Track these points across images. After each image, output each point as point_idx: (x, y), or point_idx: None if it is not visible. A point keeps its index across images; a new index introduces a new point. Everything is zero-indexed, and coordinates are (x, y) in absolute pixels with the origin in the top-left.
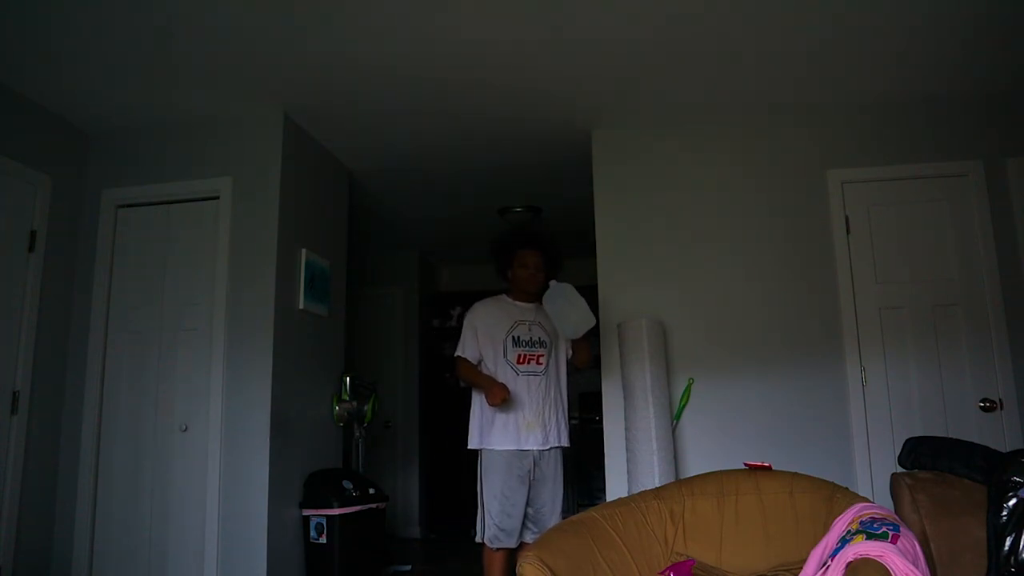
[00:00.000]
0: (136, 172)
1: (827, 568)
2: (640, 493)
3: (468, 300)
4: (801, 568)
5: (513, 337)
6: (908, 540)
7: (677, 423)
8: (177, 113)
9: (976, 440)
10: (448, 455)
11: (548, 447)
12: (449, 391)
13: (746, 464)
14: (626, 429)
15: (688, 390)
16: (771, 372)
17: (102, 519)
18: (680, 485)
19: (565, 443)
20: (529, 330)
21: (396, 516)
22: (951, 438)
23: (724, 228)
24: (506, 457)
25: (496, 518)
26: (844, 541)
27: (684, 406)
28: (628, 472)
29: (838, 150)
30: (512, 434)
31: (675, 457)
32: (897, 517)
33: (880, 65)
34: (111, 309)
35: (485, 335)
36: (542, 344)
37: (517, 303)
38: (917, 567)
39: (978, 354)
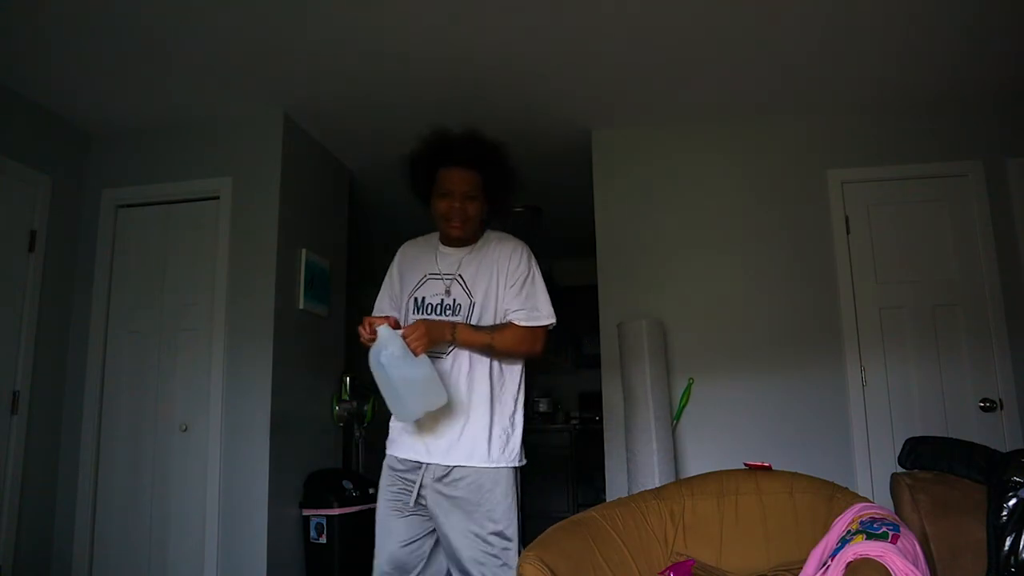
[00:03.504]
0: (136, 172)
1: (827, 568)
2: (640, 493)
3: None
4: (801, 568)
5: (416, 299)
6: (908, 540)
7: (677, 423)
8: (177, 113)
9: (976, 440)
10: None
11: (451, 464)
12: None
13: (746, 464)
14: (626, 429)
15: (688, 390)
16: (771, 372)
17: (102, 519)
18: (680, 485)
19: (497, 462)
20: (445, 291)
21: None
22: (951, 438)
23: (724, 228)
24: (387, 467)
25: (377, 560)
26: (844, 541)
27: (684, 406)
28: (628, 472)
29: (838, 150)
30: (402, 432)
31: (675, 457)
32: (897, 517)
33: (880, 65)
34: (111, 309)
35: (401, 285)
36: (456, 313)
37: (441, 248)
38: (917, 567)
39: (978, 354)
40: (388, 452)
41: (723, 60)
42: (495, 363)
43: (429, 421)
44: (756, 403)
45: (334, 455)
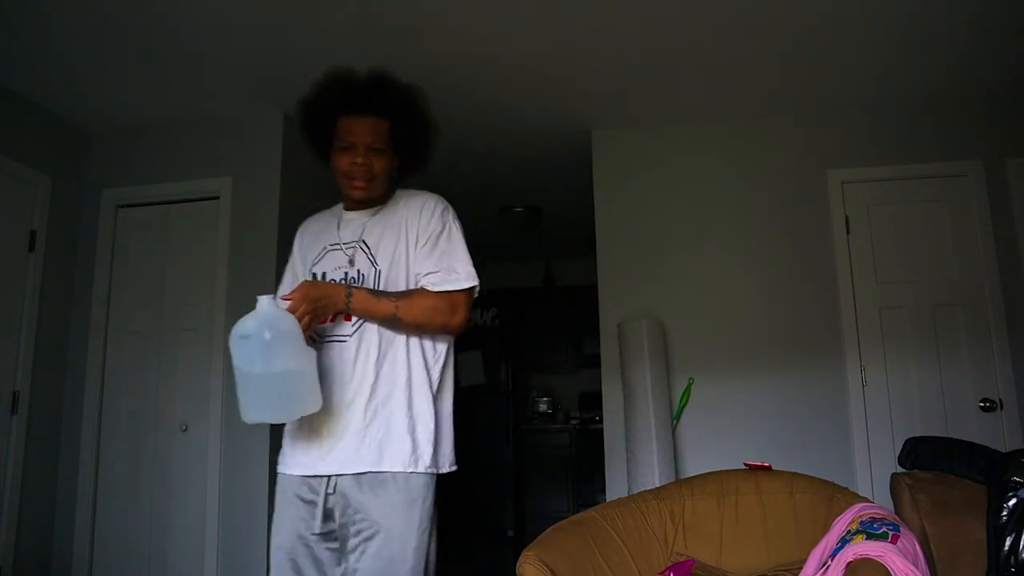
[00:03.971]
0: (136, 172)
1: (827, 568)
2: (640, 493)
3: None
4: (801, 568)
5: (316, 276)
6: (908, 540)
7: (677, 423)
8: (177, 113)
9: (976, 440)
10: None
11: (360, 472)
12: None
13: (746, 464)
14: (626, 429)
15: (688, 390)
16: (771, 372)
17: (102, 519)
18: (680, 485)
19: (412, 466)
20: (348, 262)
21: None
22: (951, 438)
23: (724, 228)
24: (284, 487)
25: None
26: (844, 541)
27: (684, 406)
28: (628, 472)
29: (838, 150)
30: (296, 442)
31: (675, 457)
32: (897, 517)
33: (880, 65)
34: (111, 309)
35: (302, 265)
36: (361, 284)
37: (345, 215)
38: (917, 567)
39: (978, 354)
40: (279, 470)
41: (723, 60)
42: (413, 342)
43: (328, 419)
44: (756, 403)
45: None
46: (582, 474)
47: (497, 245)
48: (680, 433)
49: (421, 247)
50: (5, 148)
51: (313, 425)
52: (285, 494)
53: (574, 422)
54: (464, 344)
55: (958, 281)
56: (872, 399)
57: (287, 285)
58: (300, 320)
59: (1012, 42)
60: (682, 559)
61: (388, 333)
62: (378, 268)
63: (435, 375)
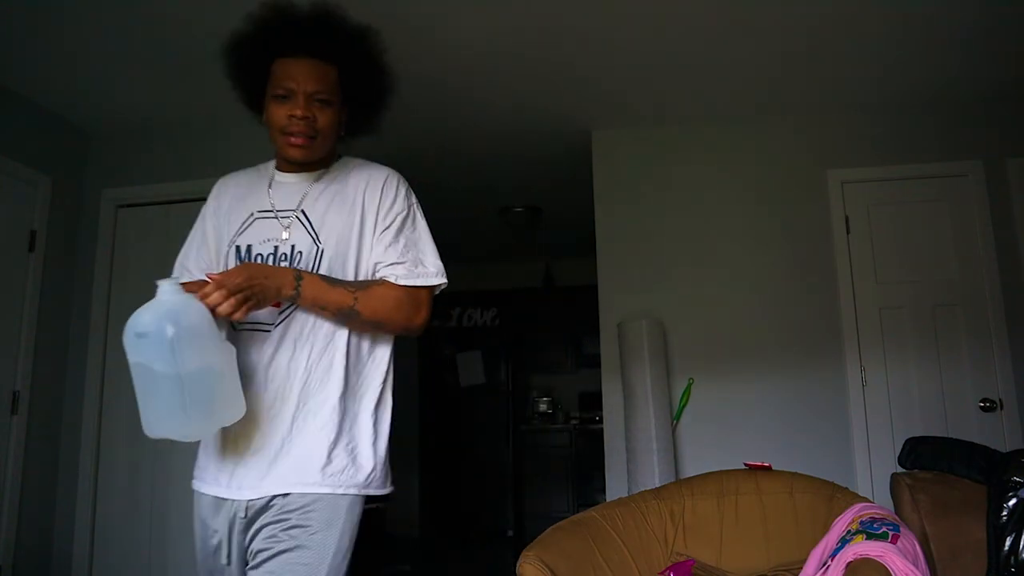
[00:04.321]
0: (136, 172)
1: (827, 568)
2: (640, 493)
3: (468, 301)
4: (801, 568)
5: (238, 249)
6: (908, 540)
7: (677, 423)
8: (177, 113)
9: (976, 440)
10: (448, 455)
11: (282, 493)
12: (449, 391)
13: (746, 464)
14: (626, 429)
15: (688, 390)
16: (771, 372)
17: (102, 519)
18: (680, 485)
19: (343, 488)
20: (284, 233)
21: (396, 516)
22: (951, 438)
23: (724, 228)
24: (199, 509)
25: None
26: (844, 541)
27: (684, 406)
28: (628, 472)
29: (838, 150)
30: (209, 454)
31: (675, 457)
32: (897, 517)
33: (880, 65)
34: (111, 309)
35: (216, 234)
36: (297, 263)
37: (278, 176)
38: (917, 567)
39: (978, 354)
40: (194, 485)
41: (723, 60)
42: (355, 342)
43: (242, 430)
44: (756, 403)
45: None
46: (582, 474)
47: (497, 245)
48: (680, 433)
49: (381, 232)
50: (5, 148)
51: (226, 435)
52: (196, 514)
53: (574, 422)
54: (464, 344)
55: (958, 281)
56: (872, 399)
57: (193, 259)
58: (232, 306)
59: (1011, 42)
60: (682, 559)
61: (325, 326)
62: (320, 246)
63: (377, 383)
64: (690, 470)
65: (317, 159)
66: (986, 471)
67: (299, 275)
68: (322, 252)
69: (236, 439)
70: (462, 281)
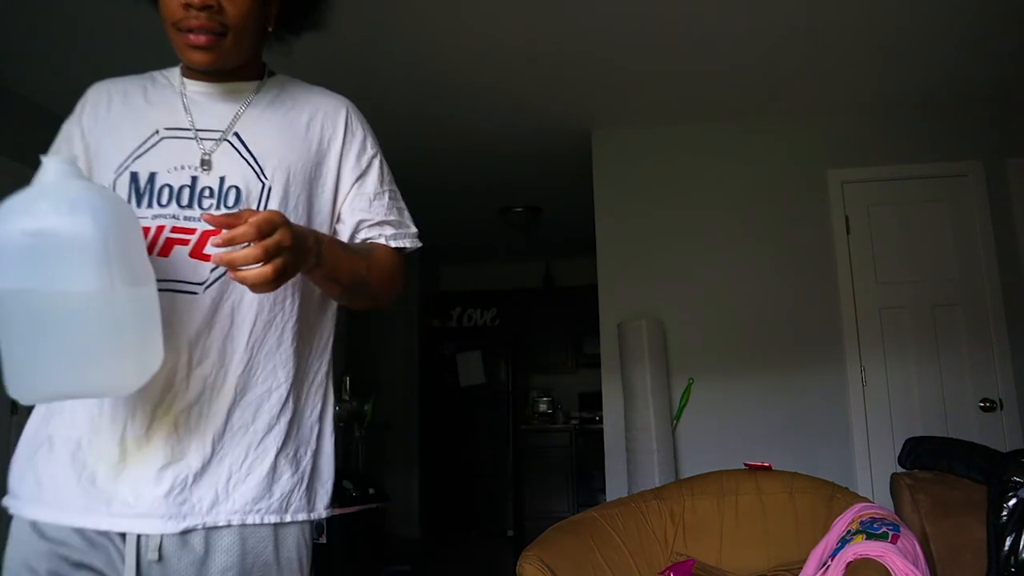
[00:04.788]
0: None
1: (827, 568)
2: (640, 493)
3: (468, 300)
4: (801, 568)
5: (135, 177)
6: (908, 540)
7: (677, 423)
8: None
9: (976, 440)
10: (448, 455)
11: (191, 526)
12: (449, 391)
13: (746, 464)
14: (626, 429)
15: (688, 390)
16: (771, 372)
17: None
18: (680, 485)
19: (291, 514)
20: (202, 163)
21: (396, 516)
22: (951, 438)
23: (724, 228)
24: (19, 542)
25: None
26: (844, 541)
27: (684, 406)
28: (628, 472)
29: (838, 150)
30: (57, 462)
31: (675, 457)
32: (897, 517)
33: (880, 65)
34: None
35: (94, 152)
36: (226, 208)
37: (190, 87)
38: (917, 567)
39: (978, 354)
40: (16, 511)
41: (722, 60)
42: (304, 311)
43: (146, 427)
44: (756, 403)
45: (334, 455)
46: (582, 474)
47: (497, 245)
48: (680, 433)
49: (357, 181)
50: (4, 148)
51: (109, 432)
52: (16, 557)
53: (574, 422)
54: (464, 344)
55: (958, 281)
56: (872, 399)
57: None
58: (271, 275)
59: (1011, 42)
60: (682, 559)
61: (271, 300)
62: (267, 183)
63: (325, 370)
64: (690, 470)
65: (231, 66)
66: (986, 471)
67: (319, 241)
68: (268, 191)
69: (133, 442)
70: (462, 281)
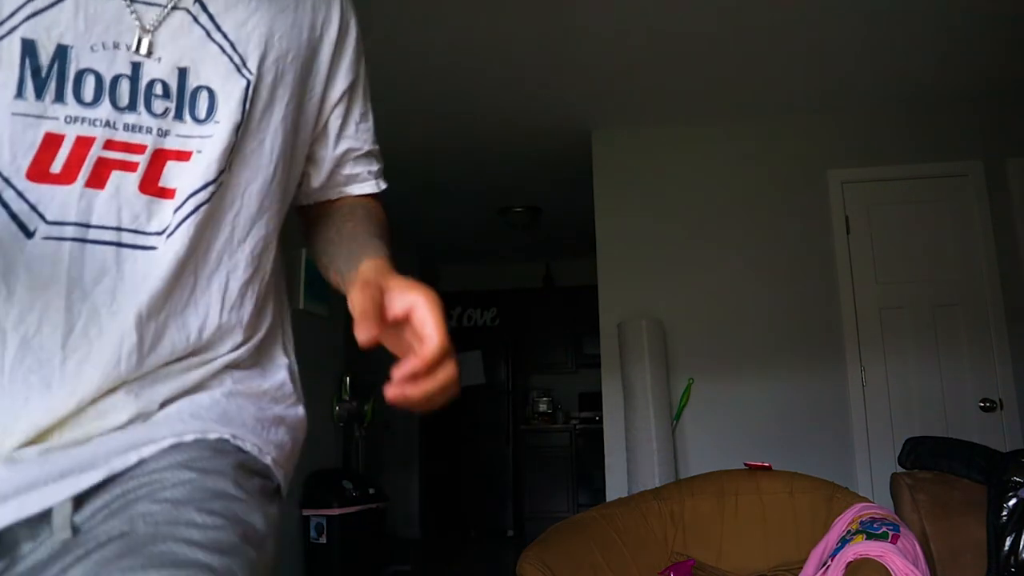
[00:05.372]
0: None
1: (827, 568)
2: (640, 493)
3: (468, 300)
4: (801, 568)
5: (27, 44)
6: (908, 540)
7: (677, 423)
8: None
9: (976, 440)
10: (448, 455)
11: (139, 458)
12: None
13: (746, 464)
14: (626, 429)
15: (688, 390)
16: (771, 372)
17: None
18: (680, 485)
19: (263, 448)
20: (139, 39)
21: (396, 516)
22: (951, 438)
23: (724, 228)
24: None
25: None
26: (844, 541)
27: (684, 406)
28: (628, 472)
29: (838, 150)
30: None
31: (675, 457)
32: (897, 517)
33: (880, 65)
34: None
35: None
36: (186, 116)
37: None
38: (917, 567)
39: (978, 354)
40: None
41: (722, 60)
42: (271, 242)
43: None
44: (756, 403)
45: (334, 455)
46: (582, 474)
47: (497, 245)
48: (680, 433)
49: (346, 92)
50: None
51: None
52: None
53: (574, 422)
54: (464, 344)
55: (958, 281)
56: (872, 399)
57: None
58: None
59: (1011, 42)
60: (682, 559)
61: (252, 236)
62: (250, 80)
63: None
64: (690, 470)
65: None
66: (986, 471)
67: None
68: (251, 92)
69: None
70: (462, 281)
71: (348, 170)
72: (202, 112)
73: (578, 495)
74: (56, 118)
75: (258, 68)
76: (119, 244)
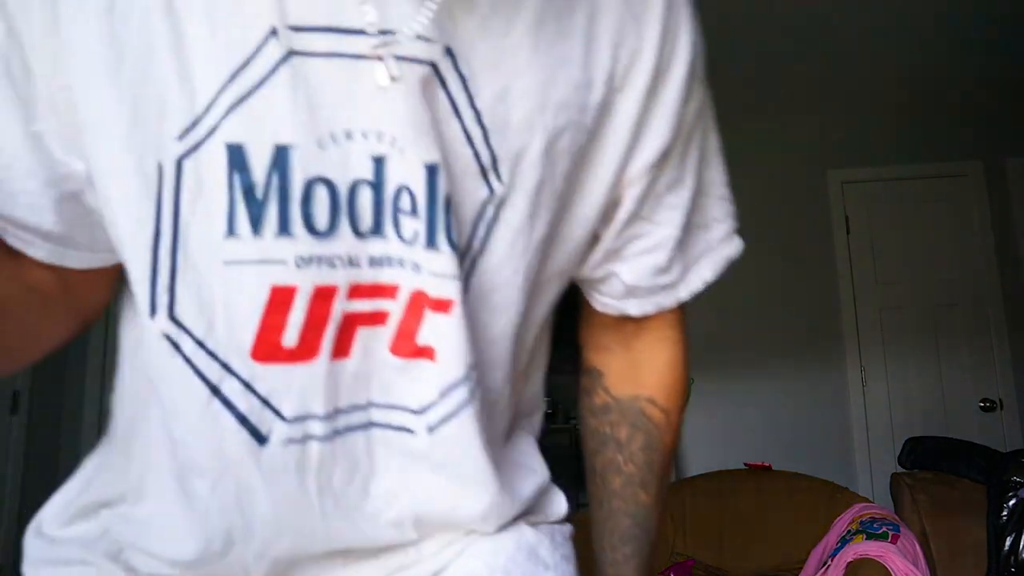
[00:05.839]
0: None
1: (827, 568)
2: None
3: None
4: (801, 568)
5: (233, 149)
6: (908, 540)
7: None
8: None
9: (976, 440)
10: None
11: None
12: None
13: (746, 464)
14: None
15: (688, 390)
16: (771, 372)
17: None
18: (680, 485)
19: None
20: (392, 140)
21: None
22: (951, 438)
23: None
24: None
25: None
26: (844, 541)
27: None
28: None
29: (838, 150)
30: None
31: (675, 457)
32: (897, 517)
33: (880, 65)
34: (111, 308)
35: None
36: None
37: None
38: (917, 567)
39: (978, 354)
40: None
41: (722, 60)
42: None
43: None
44: (756, 403)
45: None
46: (582, 474)
47: None
48: (680, 433)
49: (652, 170)
50: None
51: None
52: None
53: (574, 422)
54: None
55: (958, 281)
56: (872, 399)
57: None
58: None
59: (1012, 42)
60: (682, 559)
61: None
62: (497, 194)
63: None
64: (690, 470)
65: None
66: (986, 471)
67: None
68: (498, 209)
69: None
70: None
71: (652, 302)
72: (439, 242)
73: (578, 495)
74: (283, 261)
75: (513, 175)
76: (369, 425)
